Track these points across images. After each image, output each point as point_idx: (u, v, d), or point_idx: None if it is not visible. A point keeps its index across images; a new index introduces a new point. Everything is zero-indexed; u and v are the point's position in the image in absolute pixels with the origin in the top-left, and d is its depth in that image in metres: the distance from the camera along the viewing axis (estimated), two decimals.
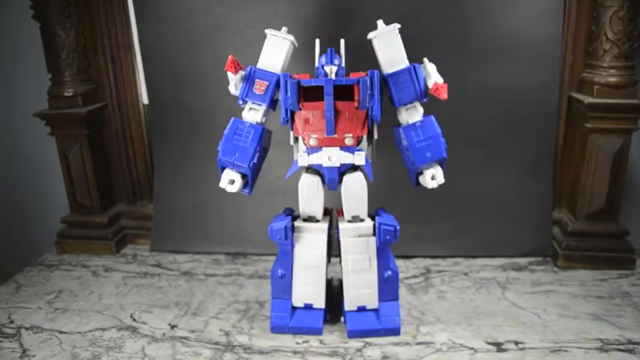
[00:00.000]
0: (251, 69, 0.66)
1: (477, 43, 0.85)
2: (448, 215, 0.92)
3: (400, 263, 0.88)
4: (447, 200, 0.91)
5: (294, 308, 0.71)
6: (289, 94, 0.63)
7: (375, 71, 0.63)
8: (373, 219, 0.69)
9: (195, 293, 0.83)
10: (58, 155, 0.97)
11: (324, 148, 0.65)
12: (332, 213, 0.73)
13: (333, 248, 0.74)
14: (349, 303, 0.70)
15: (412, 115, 0.66)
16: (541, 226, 0.90)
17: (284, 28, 0.67)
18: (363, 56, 0.67)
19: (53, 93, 0.94)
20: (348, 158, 0.65)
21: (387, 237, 0.67)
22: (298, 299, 0.71)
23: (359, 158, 0.65)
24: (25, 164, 1.14)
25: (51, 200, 1.14)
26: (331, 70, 0.64)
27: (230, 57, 0.65)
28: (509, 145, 0.89)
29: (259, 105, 0.66)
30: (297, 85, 0.63)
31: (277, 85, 0.65)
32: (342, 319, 0.72)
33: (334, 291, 0.77)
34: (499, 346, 0.67)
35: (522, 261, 0.89)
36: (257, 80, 0.66)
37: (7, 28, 1.05)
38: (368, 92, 0.62)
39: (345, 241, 0.69)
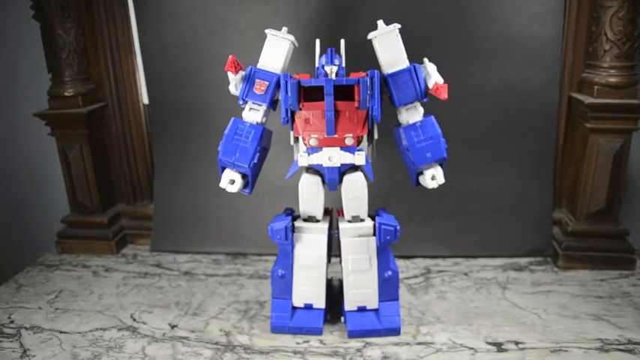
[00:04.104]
0: (251, 69, 0.66)
1: (477, 43, 0.85)
2: (448, 215, 0.92)
3: (400, 263, 0.88)
4: (447, 200, 0.91)
5: (294, 308, 0.71)
6: (289, 94, 0.63)
7: (376, 71, 0.63)
8: (373, 219, 0.69)
9: (195, 293, 0.83)
10: (58, 155, 0.97)
11: (324, 148, 0.65)
12: (332, 213, 0.73)
13: (334, 248, 0.74)
14: (349, 303, 0.70)
15: (412, 115, 0.66)
16: (541, 226, 0.90)
17: (284, 28, 0.67)
18: (363, 56, 0.67)
19: (53, 93, 0.94)
20: (348, 158, 0.65)
21: (388, 237, 0.67)
22: (298, 299, 0.71)
23: (359, 158, 0.65)
24: (25, 164, 1.14)
25: (51, 200, 1.14)
26: (331, 70, 0.64)
27: (230, 57, 0.65)
28: (510, 146, 0.89)
29: (259, 105, 0.66)
30: (298, 85, 0.63)
31: (277, 85, 0.65)
32: (343, 319, 0.72)
33: (334, 291, 0.77)
34: (499, 346, 0.67)
35: (522, 261, 0.89)
36: (257, 80, 0.66)
37: (8, 28, 1.05)
38: (368, 92, 0.62)
39: (346, 241, 0.69)
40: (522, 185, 0.90)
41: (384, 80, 0.65)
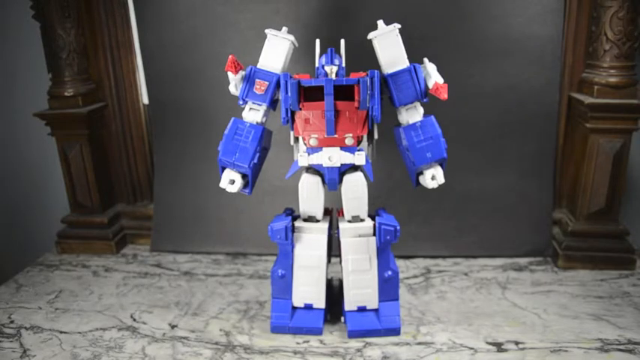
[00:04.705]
0: (251, 69, 0.66)
1: (477, 43, 0.85)
2: (448, 215, 0.92)
3: (400, 263, 0.88)
4: (447, 200, 0.91)
5: (294, 308, 0.71)
6: (289, 94, 0.63)
7: (376, 71, 0.63)
8: (373, 219, 0.69)
9: (195, 293, 0.83)
10: (58, 155, 0.97)
11: (324, 148, 0.65)
12: (332, 213, 0.73)
13: (334, 248, 0.74)
14: (349, 303, 0.70)
15: (412, 115, 0.66)
16: (541, 226, 0.90)
17: (284, 28, 0.67)
18: (364, 56, 0.67)
19: (53, 93, 0.94)
20: (348, 158, 0.65)
21: (388, 237, 0.67)
22: (298, 299, 0.71)
23: (359, 158, 0.65)
24: (25, 164, 1.14)
25: (51, 200, 1.14)
26: (331, 70, 0.64)
27: (230, 57, 0.65)
28: (510, 145, 0.89)
29: (259, 105, 0.66)
30: (298, 85, 0.63)
31: (277, 85, 0.65)
32: (343, 319, 0.72)
33: (334, 291, 0.77)
34: (499, 346, 0.67)
35: (522, 261, 0.89)
36: (257, 80, 0.66)
37: (7, 28, 1.05)
38: (368, 92, 0.62)
39: (346, 241, 0.69)
40: (522, 185, 0.90)
41: (384, 80, 0.65)
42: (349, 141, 0.65)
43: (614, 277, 0.83)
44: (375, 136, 0.68)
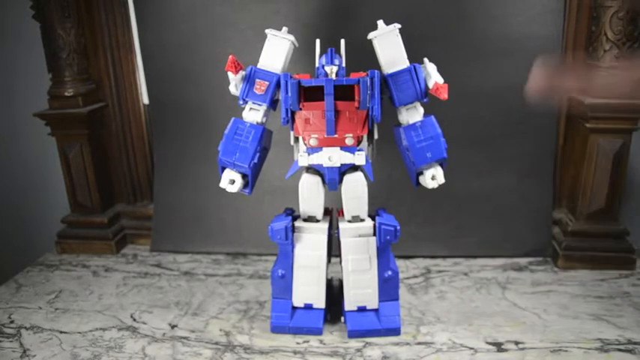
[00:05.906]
0: (251, 69, 0.66)
1: (477, 43, 0.85)
2: (448, 215, 0.92)
3: (400, 263, 0.88)
4: (447, 200, 0.91)
5: (294, 308, 0.71)
6: (290, 94, 0.63)
7: (376, 71, 0.63)
8: (373, 219, 0.69)
9: (195, 293, 0.83)
10: (58, 155, 0.97)
11: (324, 148, 0.65)
12: (332, 213, 0.73)
13: (334, 248, 0.74)
14: (349, 303, 0.70)
15: (412, 115, 0.66)
16: (541, 226, 0.90)
17: (284, 28, 0.67)
18: (364, 56, 0.67)
19: (53, 93, 0.94)
20: (348, 158, 0.65)
21: (388, 237, 0.67)
22: (298, 299, 0.71)
23: (359, 158, 0.65)
24: (25, 164, 1.14)
25: (51, 200, 1.14)
26: (332, 70, 0.64)
27: (230, 57, 0.65)
28: (510, 145, 0.89)
29: (260, 105, 0.66)
30: (298, 85, 0.63)
31: (278, 85, 0.65)
32: (343, 319, 0.72)
33: (334, 291, 0.77)
34: (499, 346, 0.67)
35: (522, 261, 0.89)
36: (257, 80, 0.66)
37: (7, 28, 1.05)
38: (368, 92, 0.62)
39: (346, 241, 0.69)
40: (522, 185, 0.90)
41: (384, 80, 0.65)
42: (349, 141, 0.65)
43: (614, 277, 0.83)
44: (375, 136, 0.68)
